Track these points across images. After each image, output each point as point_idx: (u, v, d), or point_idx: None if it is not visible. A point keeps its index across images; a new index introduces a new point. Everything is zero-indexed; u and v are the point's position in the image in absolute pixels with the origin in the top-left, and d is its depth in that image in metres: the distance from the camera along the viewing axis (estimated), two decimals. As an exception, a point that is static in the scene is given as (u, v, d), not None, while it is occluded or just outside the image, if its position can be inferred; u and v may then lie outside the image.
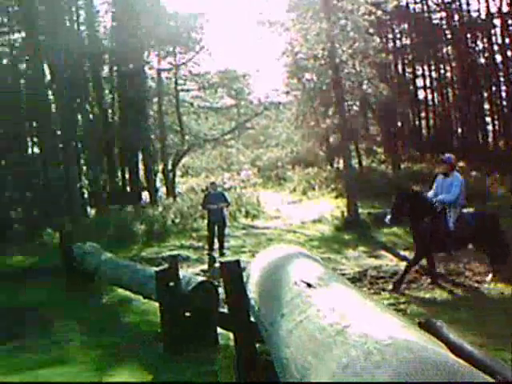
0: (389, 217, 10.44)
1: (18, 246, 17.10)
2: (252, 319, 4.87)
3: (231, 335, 5.79)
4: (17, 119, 24.00)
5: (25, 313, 9.42)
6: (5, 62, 27.21)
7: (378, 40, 25.30)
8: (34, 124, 25.72)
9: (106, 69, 29.85)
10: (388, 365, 1.83)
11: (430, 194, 10.49)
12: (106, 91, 29.52)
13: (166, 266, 6.97)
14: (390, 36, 32.63)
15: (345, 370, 1.97)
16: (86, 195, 24.34)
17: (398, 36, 33.71)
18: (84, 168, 25.33)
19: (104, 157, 26.50)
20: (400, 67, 33.63)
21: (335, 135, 30.16)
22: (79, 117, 25.56)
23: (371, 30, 23.86)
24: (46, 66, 25.63)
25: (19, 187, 22.44)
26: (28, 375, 6.17)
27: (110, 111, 28.97)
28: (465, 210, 10.34)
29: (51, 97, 25.49)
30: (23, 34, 27.20)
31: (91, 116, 26.65)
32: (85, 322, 8.54)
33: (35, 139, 26.03)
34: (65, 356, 6.95)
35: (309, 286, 3.21)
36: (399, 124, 32.33)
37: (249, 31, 66.47)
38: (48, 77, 25.78)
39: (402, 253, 13.27)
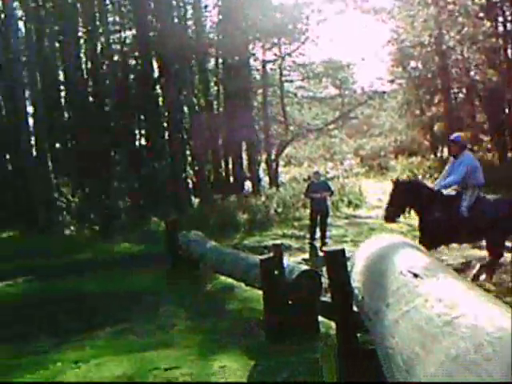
0: (384, 214, 9.70)
1: (125, 234, 17.74)
2: (355, 308, 4.81)
3: (332, 324, 5.73)
4: (126, 113, 24.85)
5: (131, 298, 9.73)
6: (116, 58, 28.20)
7: (487, 24, 24.33)
8: (142, 117, 26.56)
9: (211, 61, 30.37)
10: (499, 358, 1.74)
11: (439, 179, 9.60)
12: (212, 83, 30.04)
13: (270, 254, 7.00)
14: (501, 19, 31.23)
15: (454, 362, 1.89)
16: (190, 185, 24.89)
17: (510, 19, 32.20)
18: (189, 159, 25.89)
19: (209, 147, 26.97)
20: (510, 52, 32.16)
21: (440, 124, 29.42)
22: (185, 109, 26.13)
23: (481, 14, 22.97)
24: (154, 61, 26.43)
25: (127, 178, 23.24)
26: (134, 357, 6.37)
27: (215, 103, 29.47)
28: (490, 196, 9.32)
29: (159, 91, 26.22)
30: (133, 32, 28.13)
31: (197, 108, 27.18)
32: (189, 308, 8.73)
33: (143, 131, 26.92)
34: (169, 340, 7.11)
35: (415, 276, 3.14)
36: (507, 111, 30.98)
37: (353, 20, 65.85)
38: (156, 71, 26.53)
39: (508, 243, 12.64)
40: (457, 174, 9.13)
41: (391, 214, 9.57)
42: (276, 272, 6.62)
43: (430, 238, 9.17)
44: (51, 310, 9.60)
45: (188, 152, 25.88)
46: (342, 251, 5.20)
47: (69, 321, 8.71)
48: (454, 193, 9.30)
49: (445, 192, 9.38)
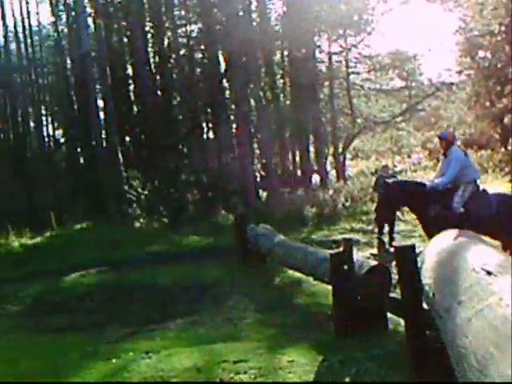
0: (374, 215, 9.38)
1: (194, 227, 17.99)
2: (424, 305, 4.76)
3: (401, 321, 5.69)
4: (193, 106, 25.15)
5: (201, 290, 9.88)
6: (182, 52, 28.57)
7: (562, 11, 23.44)
8: (209, 110, 26.83)
9: (277, 54, 30.39)
10: None
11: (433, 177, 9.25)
12: (278, 76, 30.07)
13: (339, 249, 6.99)
14: None
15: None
16: (258, 178, 25.01)
17: None
18: (257, 152, 26.02)
19: (276, 140, 27.05)
20: None
21: (510, 116, 28.59)
22: (252, 102, 26.25)
23: (554, 0, 22.17)
24: (220, 55, 26.64)
25: (195, 171, 23.54)
26: (203, 349, 6.47)
27: (281, 96, 29.49)
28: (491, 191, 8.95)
29: (226, 84, 26.42)
30: (199, 25, 28.43)
31: (263, 101, 27.26)
32: (257, 301, 8.79)
33: (210, 125, 27.21)
34: (238, 333, 7.18)
35: (488, 273, 3.08)
36: None
37: (419, 9, 64.47)
38: (223, 65, 26.73)
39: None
40: (447, 175, 8.90)
41: (382, 217, 9.50)
42: (345, 267, 6.60)
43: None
44: (123, 300, 9.88)
45: (255, 145, 26.01)
46: (412, 247, 5.15)
47: (140, 311, 8.94)
48: (447, 187, 8.98)
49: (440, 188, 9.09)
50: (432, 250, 4.71)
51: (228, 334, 7.10)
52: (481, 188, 9.07)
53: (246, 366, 5.69)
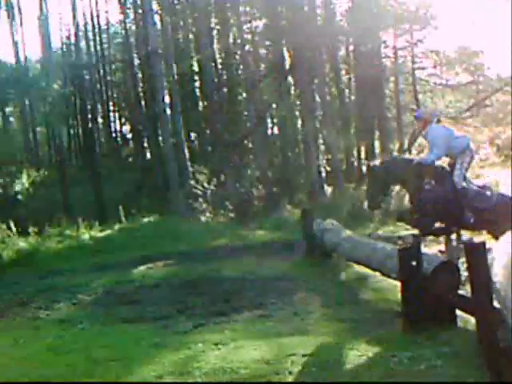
0: (367, 202, 9.11)
1: (259, 221, 18.13)
2: (495, 304, 4.71)
3: (471, 319, 5.63)
4: (259, 102, 25.31)
5: (267, 284, 9.97)
6: (247, 48, 28.74)
7: None
8: (274, 106, 26.93)
9: (342, 49, 30.22)
10: None
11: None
12: (343, 71, 29.91)
13: (407, 244, 6.96)
14: None
15: None
16: (323, 174, 24.97)
17: None
18: (322, 147, 25.99)
19: (341, 136, 26.94)
20: None
21: None
22: (317, 98, 26.23)
23: None
24: (285, 50, 26.68)
25: (260, 166, 23.69)
26: (271, 342, 6.55)
27: (346, 91, 29.34)
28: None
29: (290, 79, 26.48)
30: (264, 21, 28.53)
31: (328, 97, 27.20)
32: (324, 296, 8.81)
33: (275, 120, 27.31)
34: (305, 327, 7.22)
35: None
36: None
37: (487, 3, 62.73)
38: (287, 60, 26.77)
39: None
40: (433, 152, 8.83)
41: (375, 202, 9.31)
42: (414, 263, 6.57)
43: (426, 216, 8.87)
44: (190, 292, 10.04)
45: (320, 141, 25.97)
46: (483, 244, 5.10)
47: (207, 304, 9.05)
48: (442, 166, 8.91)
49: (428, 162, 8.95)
50: (503, 248, 4.65)
51: (295, 328, 7.12)
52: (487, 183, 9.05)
53: (314, 360, 5.74)
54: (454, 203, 8.81)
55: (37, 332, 8.33)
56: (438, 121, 9.72)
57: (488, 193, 9.04)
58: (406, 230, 13.06)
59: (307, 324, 7.36)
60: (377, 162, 10.38)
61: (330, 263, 10.99)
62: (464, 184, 8.78)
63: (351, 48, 29.55)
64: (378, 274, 8.40)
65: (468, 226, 9.21)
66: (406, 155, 9.62)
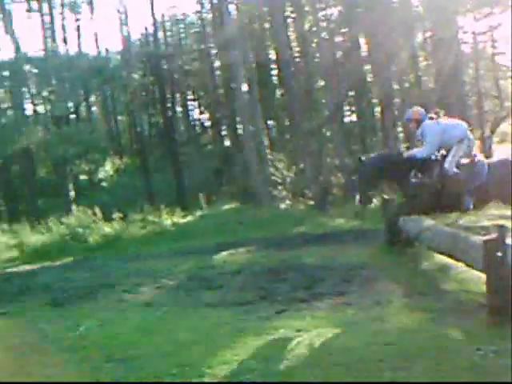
0: (358, 197, 8.98)
1: (339, 209, 18.11)
2: None
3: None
4: (336, 90, 25.21)
5: (347, 272, 10.00)
6: (323, 35, 28.65)
7: None
8: (352, 93, 26.77)
9: (419, 36, 29.69)
10: None
11: None
12: (420, 58, 29.42)
13: (492, 235, 6.86)
14: None
15: None
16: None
17: None
18: (401, 135, 25.70)
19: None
20: None
21: None
22: (395, 85, 25.90)
23: None
24: (361, 37, 26.42)
25: (339, 154, 23.65)
26: (351, 329, 6.62)
27: (424, 78, 28.84)
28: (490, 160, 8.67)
29: (368, 66, 26.23)
30: (339, 8, 28.35)
31: (407, 84, 26.82)
32: (404, 285, 8.76)
33: (353, 108, 27.14)
34: (386, 316, 7.23)
35: None
36: None
37: None
38: (363, 48, 26.52)
39: None
40: (425, 147, 8.84)
41: (365, 197, 9.37)
42: (499, 254, 6.49)
43: (416, 206, 8.95)
44: (271, 279, 10.19)
45: (399, 128, 25.67)
46: None
47: (288, 290, 9.17)
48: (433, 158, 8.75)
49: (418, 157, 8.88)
50: None
51: (376, 317, 7.14)
52: (477, 158, 9.01)
53: (395, 350, 5.77)
54: (444, 193, 8.77)
55: (123, 314, 8.70)
56: (431, 118, 9.63)
57: (478, 168, 8.89)
58: (489, 221, 12.80)
59: (388, 313, 7.37)
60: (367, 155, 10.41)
61: (411, 252, 10.90)
62: (455, 170, 8.66)
63: (428, 34, 28.95)
64: (460, 264, 8.29)
65: (469, 211, 9.15)
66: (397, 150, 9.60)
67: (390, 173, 9.33)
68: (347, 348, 5.93)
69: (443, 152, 9.24)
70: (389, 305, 7.77)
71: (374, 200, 9.90)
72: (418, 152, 9.09)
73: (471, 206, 9.02)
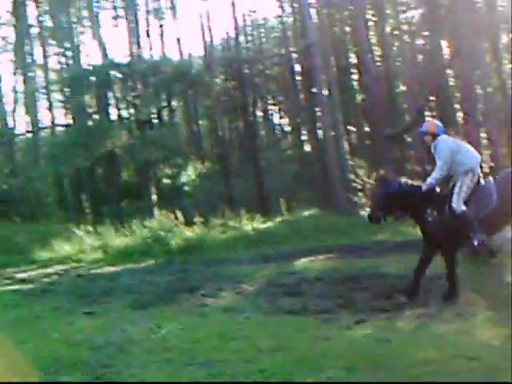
0: (370, 215, 8.60)
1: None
2: None
3: None
4: (418, 95, 24.88)
5: (429, 283, 9.79)
6: (404, 38, 28.31)
7: None
8: (434, 98, 26.33)
9: (504, 38, 28.88)
10: None
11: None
12: (505, 61, 28.60)
13: None
14: None
15: None
16: (485, 169, 24.11)
17: None
18: (484, 141, 25.08)
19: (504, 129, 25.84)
20: None
21: None
22: (477, 89, 25.32)
23: None
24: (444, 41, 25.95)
25: (420, 161, 23.28)
26: (434, 341, 6.55)
27: (509, 82, 28.04)
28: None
29: (450, 70, 25.74)
30: (421, 11, 27.93)
31: (490, 88, 26.13)
32: (489, 298, 8.58)
33: (435, 113, 26.65)
34: (469, 329, 7.10)
35: None
36: None
37: None
38: (446, 51, 26.05)
39: None
40: (437, 169, 8.47)
41: (378, 217, 8.80)
42: None
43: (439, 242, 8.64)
44: (351, 287, 10.21)
45: (483, 134, 25.05)
46: None
47: (369, 299, 9.17)
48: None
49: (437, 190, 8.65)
50: None
51: (459, 329, 7.08)
52: (481, 182, 8.60)
53: (478, 364, 5.64)
54: (456, 231, 8.51)
55: (204, 318, 8.91)
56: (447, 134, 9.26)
57: (485, 195, 8.53)
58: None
59: (471, 326, 7.28)
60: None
61: (495, 264, 10.68)
62: (463, 208, 8.36)
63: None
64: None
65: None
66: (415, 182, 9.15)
67: (405, 206, 9.06)
68: (430, 360, 5.88)
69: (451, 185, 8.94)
70: (472, 318, 7.66)
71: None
72: (432, 178, 8.81)
73: (484, 239, 8.69)
